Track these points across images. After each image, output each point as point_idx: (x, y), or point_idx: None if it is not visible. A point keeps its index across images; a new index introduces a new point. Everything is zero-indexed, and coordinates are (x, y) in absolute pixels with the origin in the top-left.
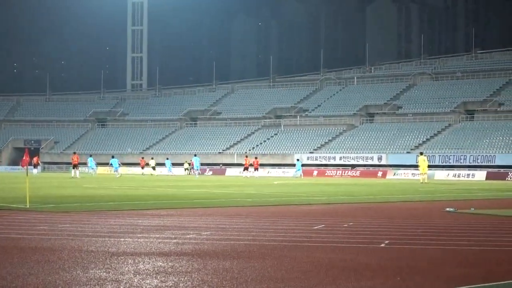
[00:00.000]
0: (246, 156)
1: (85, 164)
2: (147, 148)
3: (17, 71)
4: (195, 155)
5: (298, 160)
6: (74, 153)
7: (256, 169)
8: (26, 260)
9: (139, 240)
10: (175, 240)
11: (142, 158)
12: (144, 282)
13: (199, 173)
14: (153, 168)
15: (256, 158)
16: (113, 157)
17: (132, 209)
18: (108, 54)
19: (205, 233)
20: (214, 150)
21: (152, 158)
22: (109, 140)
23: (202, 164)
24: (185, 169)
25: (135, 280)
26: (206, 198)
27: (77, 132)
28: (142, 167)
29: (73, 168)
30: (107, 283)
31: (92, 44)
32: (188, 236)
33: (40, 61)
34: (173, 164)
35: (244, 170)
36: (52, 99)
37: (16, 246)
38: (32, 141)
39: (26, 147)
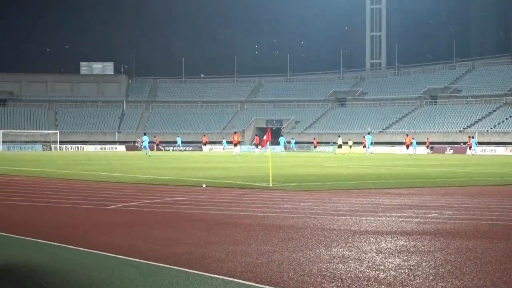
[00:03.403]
0: (407, 135)
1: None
2: (387, 127)
3: (258, 52)
4: (369, 133)
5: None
6: (235, 132)
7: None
8: (271, 238)
9: (380, 219)
10: (416, 219)
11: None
12: (387, 261)
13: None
14: (339, 146)
15: (407, 135)
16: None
17: (373, 188)
18: (347, 34)
19: (447, 212)
20: (455, 128)
21: (339, 136)
22: (349, 119)
23: (441, 143)
24: (339, 146)
25: (378, 258)
26: (447, 177)
27: (317, 112)
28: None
29: (235, 146)
30: (350, 261)
31: (330, 24)
32: (429, 215)
33: (280, 42)
34: (419, 143)
35: (407, 148)
36: (292, 79)
37: (261, 224)
38: (274, 121)
39: (268, 126)
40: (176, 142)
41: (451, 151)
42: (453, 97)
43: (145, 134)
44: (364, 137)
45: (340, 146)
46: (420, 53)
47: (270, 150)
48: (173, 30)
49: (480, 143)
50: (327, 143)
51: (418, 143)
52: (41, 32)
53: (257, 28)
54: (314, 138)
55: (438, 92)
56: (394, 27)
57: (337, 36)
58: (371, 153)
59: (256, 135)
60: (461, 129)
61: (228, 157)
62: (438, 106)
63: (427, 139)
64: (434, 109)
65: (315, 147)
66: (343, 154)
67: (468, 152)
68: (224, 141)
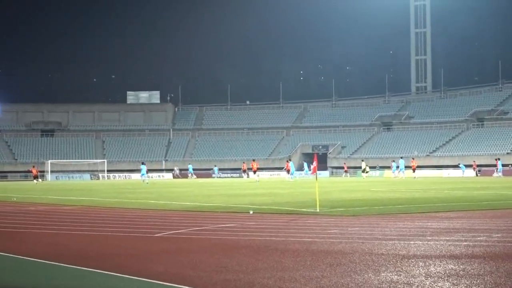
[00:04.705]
0: (413, 158)
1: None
2: (433, 151)
3: (303, 78)
4: (402, 158)
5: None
6: (254, 160)
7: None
8: (318, 263)
9: (429, 242)
10: (465, 243)
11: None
12: (436, 285)
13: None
14: (364, 171)
15: (413, 158)
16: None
17: (421, 212)
18: (392, 58)
19: (496, 235)
20: (502, 150)
21: (362, 161)
22: (395, 143)
23: (489, 166)
24: (363, 171)
25: (427, 283)
26: (495, 200)
27: (363, 137)
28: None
29: (254, 173)
30: (399, 286)
31: (375, 48)
32: (478, 238)
33: (325, 68)
34: (466, 166)
35: (413, 171)
36: (337, 104)
37: (308, 250)
38: (320, 146)
39: (314, 152)
40: (188, 169)
41: (500, 174)
42: (500, 119)
43: (143, 163)
44: (392, 161)
45: (364, 171)
46: (466, 75)
47: (315, 176)
48: (218, 58)
49: None
50: (374, 167)
51: (466, 166)
52: (88, 63)
53: (302, 54)
54: (344, 163)
55: (484, 115)
56: (439, 50)
57: (382, 61)
58: (397, 177)
59: (287, 161)
60: (509, 151)
61: (271, 183)
62: (485, 128)
63: (474, 162)
64: (481, 131)
65: (345, 171)
66: (364, 178)
67: (495, 174)
68: (215, 168)
